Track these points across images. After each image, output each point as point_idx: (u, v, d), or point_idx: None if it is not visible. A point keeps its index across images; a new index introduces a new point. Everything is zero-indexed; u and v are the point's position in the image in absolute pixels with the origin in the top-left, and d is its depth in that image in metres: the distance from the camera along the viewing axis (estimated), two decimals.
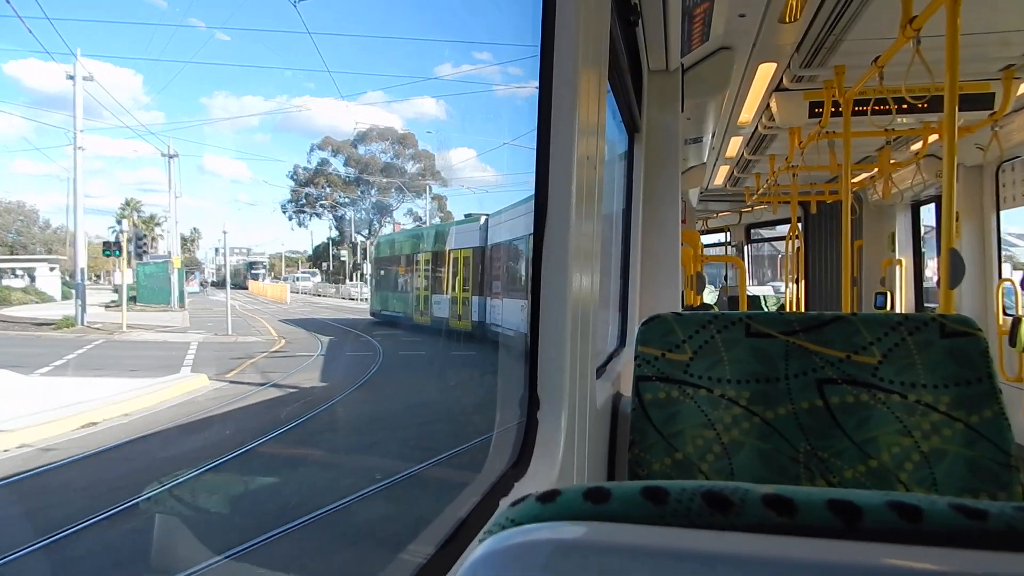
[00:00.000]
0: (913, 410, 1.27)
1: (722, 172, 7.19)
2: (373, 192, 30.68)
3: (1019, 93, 3.77)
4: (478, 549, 0.38)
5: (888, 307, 6.51)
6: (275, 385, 10.17)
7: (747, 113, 4.64)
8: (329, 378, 11.21)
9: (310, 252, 32.73)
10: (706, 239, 12.83)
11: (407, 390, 11.16)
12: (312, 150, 29.13)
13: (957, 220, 3.97)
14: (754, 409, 1.34)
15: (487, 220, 14.64)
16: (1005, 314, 4.88)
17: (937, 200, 6.40)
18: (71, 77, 10.60)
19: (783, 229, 9.35)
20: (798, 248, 8.62)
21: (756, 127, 5.02)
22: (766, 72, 3.80)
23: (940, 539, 0.35)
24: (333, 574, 4.36)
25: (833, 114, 3.92)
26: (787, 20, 3.03)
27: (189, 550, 4.34)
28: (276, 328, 16.23)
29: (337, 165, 29.73)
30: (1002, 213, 5.20)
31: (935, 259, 6.63)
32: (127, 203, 22.47)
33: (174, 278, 15.39)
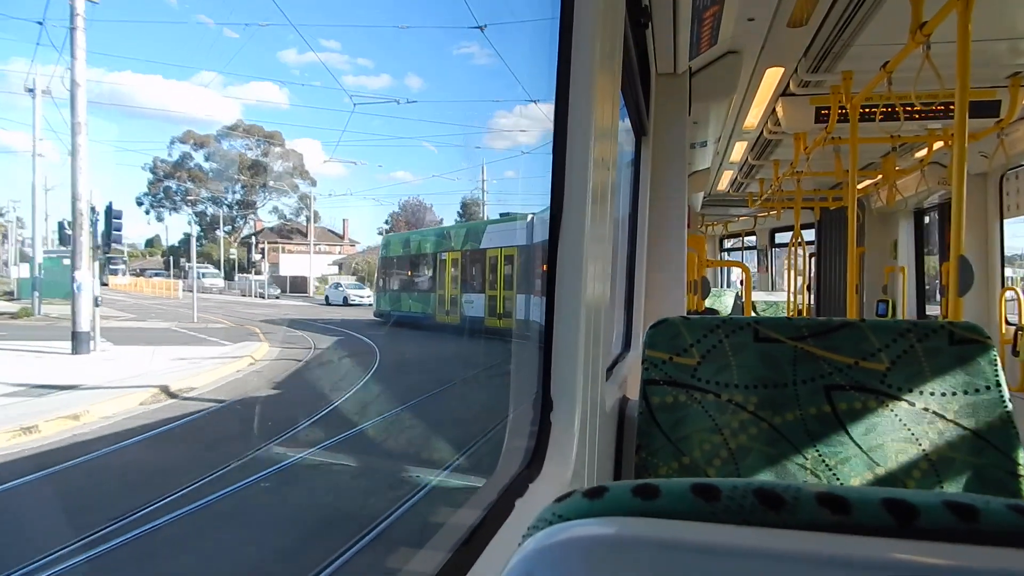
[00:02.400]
0: (921, 417, 1.26)
1: (726, 177, 7.20)
2: (239, 188, 29.89)
3: None
4: (526, 544, 0.38)
5: (890, 315, 6.51)
6: (322, 348, 12.58)
7: (753, 118, 4.65)
8: (358, 348, 13.32)
9: (141, 246, 31.49)
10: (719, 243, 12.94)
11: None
12: (172, 143, 27.94)
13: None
14: (762, 414, 1.33)
15: (533, 218, 14.62)
16: (1007, 323, 4.88)
17: (940, 208, 6.41)
18: (31, 90, 11.49)
19: (807, 234, 9.34)
20: (811, 255, 8.61)
21: (761, 132, 5.03)
22: (773, 77, 3.80)
23: (997, 539, 0.35)
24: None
25: (839, 120, 3.92)
26: (796, 25, 3.04)
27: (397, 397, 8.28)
28: (231, 319, 17.01)
29: (200, 159, 28.76)
30: None
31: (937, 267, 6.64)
32: None
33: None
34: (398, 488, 5.02)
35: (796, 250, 8.16)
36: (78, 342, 9.80)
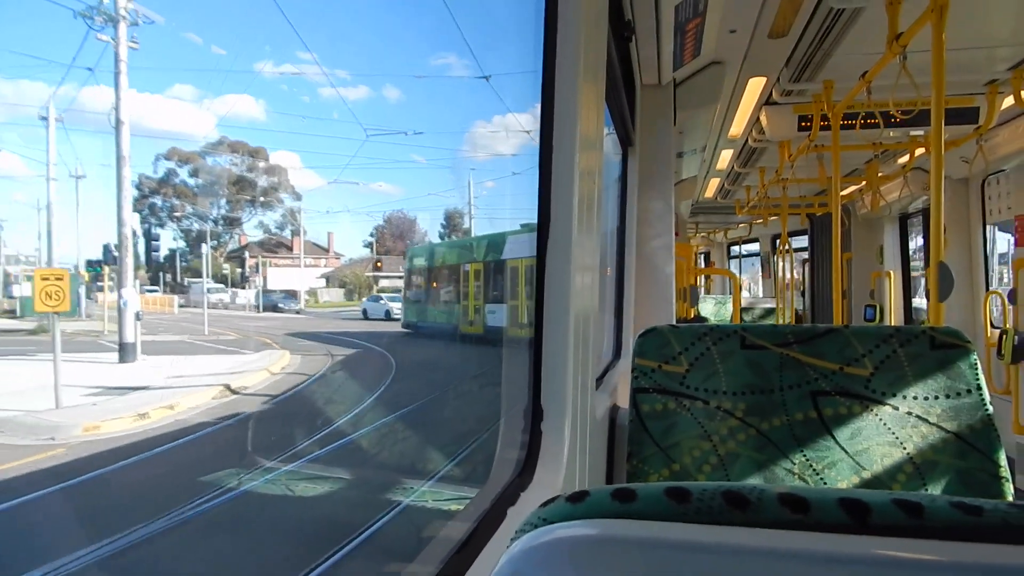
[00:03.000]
0: (905, 421, 1.29)
1: (713, 184, 7.27)
2: (224, 204, 30.33)
3: (1003, 107, 3.85)
4: (513, 546, 0.40)
5: (878, 320, 6.57)
6: (340, 358, 13.78)
7: (737, 127, 4.71)
8: (371, 356, 14.70)
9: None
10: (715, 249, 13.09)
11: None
12: (157, 159, 28.35)
13: (944, 233, 3.97)
14: (749, 420, 1.35)
15: None
16: (992, 327, 4.93)
17: (925, 213, 6.49)
18: (44, 118, 12.73)
19: (801, 240, 9.44)
20: (804, 260, 8.67)
21: (746, 140, 5.09)
22: (756, 86, 3.86)
23: (940, 533, 0.37)
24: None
25: (822, 128, 3.98)
26: (777, 36, 3.09)
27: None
28: (238, 332, 18.14)
29: (185, 176, 29.16)
30: None
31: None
32: None
33: (81, 290, 17.12)
34: (445, 447, 6.82)
35: (783, 257, 8.23)
36: (124, 352, 11.48)
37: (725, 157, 5.88)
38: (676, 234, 3.94)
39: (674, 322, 2.54)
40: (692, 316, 6.94)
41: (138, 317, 11.61)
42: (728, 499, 0.40)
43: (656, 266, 3.23)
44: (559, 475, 1.09)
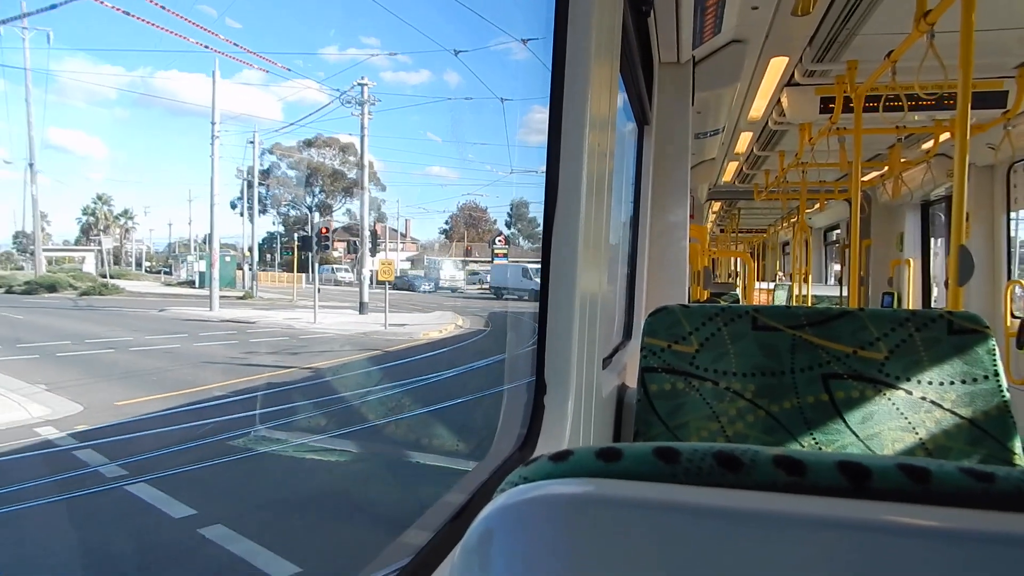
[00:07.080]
0: (918, 406, 1.27)
1: (731, 168, 7.16)
2: (317, 192, 34.57)
3: None
4: (491, 504, 0.38)
5: (895, 307, 6.48)
6: (497, 323, 19.07)
7: (757, 108, 4.61)
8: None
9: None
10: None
11: None
12: (263, 153, 32.60)
13: (967, 220, 3.90)
14: (759, 402, 1.34)
15: None
16: (1013, 316, 4.85)
17: (947, 200, 6.36)
18: (251, 142, 20.85)
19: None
20: (846, 246, 8.59)
21: (766, 122, 4.99)
22: (778, 66, 3.78)
23: (947, 499, 0.35)
24: None
25: (844, 110, 3.89)
26: (800, 13, 3.01)
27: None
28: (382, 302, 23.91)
29: (285, 168, 33.88)
30: None
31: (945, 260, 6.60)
32: (99, 198, 26.41)
33: (245, 267, 23.43)
34: None
35: (801, 243, 8.12)
36: (362, 307, 17.87)
37: (744, 140, 5.77)
38: (691, 216, 3.90)
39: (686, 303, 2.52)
40: (705, 299, 6.91)
41: (371, 284, 17.96)
42: (720, 460, 0.38)
43: (670, 248, 3.20)
44: (560, 449, 1.09)
